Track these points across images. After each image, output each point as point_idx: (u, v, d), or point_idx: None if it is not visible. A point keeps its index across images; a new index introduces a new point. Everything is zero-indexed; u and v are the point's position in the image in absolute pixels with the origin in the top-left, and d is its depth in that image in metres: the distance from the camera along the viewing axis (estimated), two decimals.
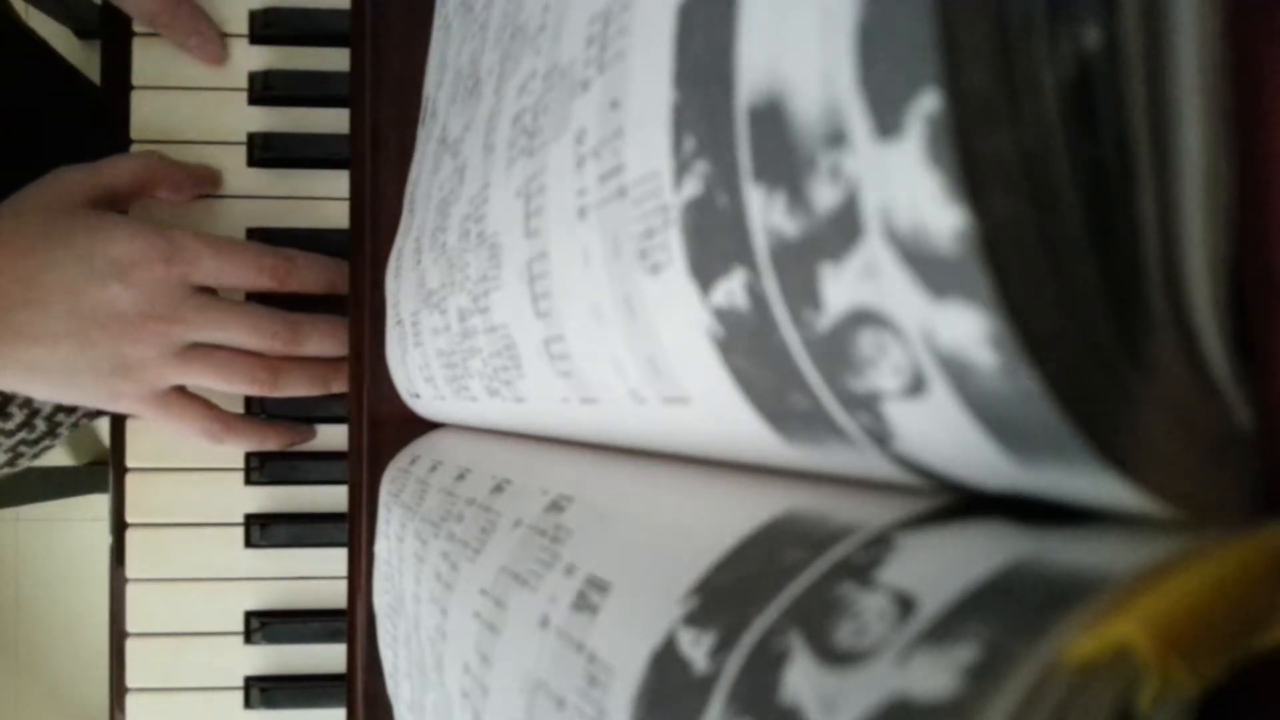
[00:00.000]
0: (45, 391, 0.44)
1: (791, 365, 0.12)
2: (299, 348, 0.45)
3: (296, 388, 0.46)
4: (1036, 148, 0.10)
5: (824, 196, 0.11)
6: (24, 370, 0.43)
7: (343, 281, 0.46)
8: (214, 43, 0.48)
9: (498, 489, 0.26)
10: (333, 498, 0.49)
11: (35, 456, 0.57)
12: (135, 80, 0.49)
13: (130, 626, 0.49)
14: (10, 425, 0.53)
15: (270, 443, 0.48)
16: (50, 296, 0.42)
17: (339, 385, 0.47)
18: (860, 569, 0.11)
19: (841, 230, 0.11)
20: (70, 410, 0.55)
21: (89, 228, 0.42)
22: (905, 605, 0.10)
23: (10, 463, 0.56)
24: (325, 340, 0.46)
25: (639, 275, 0.15)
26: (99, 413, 0.56)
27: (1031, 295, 0.09)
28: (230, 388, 0.45)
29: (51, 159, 0.47)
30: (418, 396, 0.36)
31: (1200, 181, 0.11)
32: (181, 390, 0.46)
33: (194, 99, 0.49)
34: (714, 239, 0.13)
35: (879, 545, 0.12)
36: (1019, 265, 0.09)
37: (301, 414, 0.49)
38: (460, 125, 0.29)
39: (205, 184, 0.48)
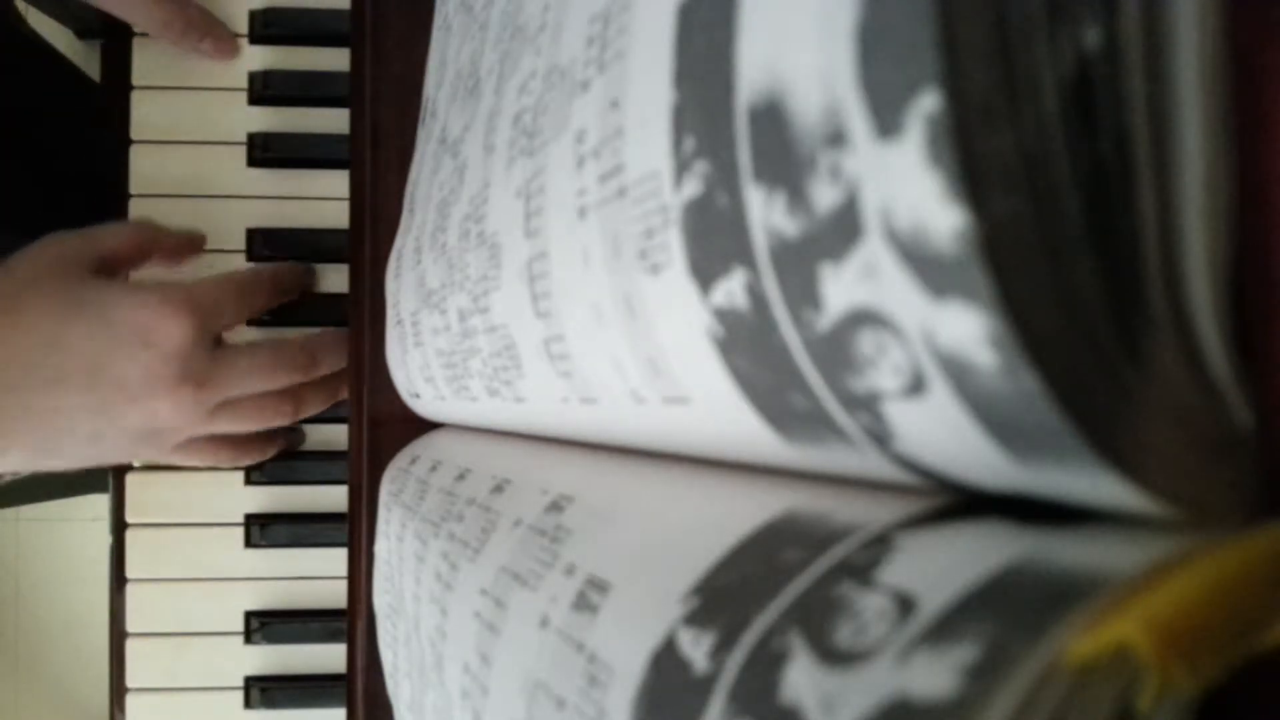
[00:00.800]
0: (65, 464, 0.42)
1: (791, 365, 0.12)
2: (318, 370, 0.45)
3: (314, 408, 0.47)
4: (1036, 148, 0.10)
5: (824, 196, 0.11)
6: (39, 450, 0.41)
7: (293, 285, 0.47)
8: (227, 41, 0.48)
9: (498, 489, 0.26)
10: (333, 498, 0.49)
11: None
12: (135, 80, 0.49)
13: (130, 626, 0.49)
14: None
15: (271, 450, 0.49)
16: (69, 372, 0.39)
17: (341, 393, 0.48)
18: (860, 569, 0.11)
19: (841, 230, 0.11)
20: None
21: (103, 296, 0.40)
22: (905, 605, 0.10)
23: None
24: (336, 355, 0.46)
25: (639, 275, 0.15)
26: None
27: (1031, 295, 0.09)
28: (258, 428, 0.45)
29: (53, 159, 0.47)
30: (418, 396, 0.36)
31: (1200, 181, 0.11)
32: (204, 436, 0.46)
33: (194, 99, 0.49)
34: (714, 239, 0.13)
35: (879, 545, 0.12)
36: (1019, 265, 0.09)
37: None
38: (460, 125, 0.29)
39: (195, 249, 0.48)
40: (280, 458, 0.49)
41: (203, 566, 0.49)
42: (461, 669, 0.22)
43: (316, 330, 0.47)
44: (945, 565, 0.11)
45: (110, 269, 0.43)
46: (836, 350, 0.11)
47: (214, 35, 0.47)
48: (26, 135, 0.53)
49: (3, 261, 0.41)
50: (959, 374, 0.10)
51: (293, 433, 0.50)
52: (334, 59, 0.49)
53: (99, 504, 0.51)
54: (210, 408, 0.43)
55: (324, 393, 0.47)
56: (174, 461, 0.46)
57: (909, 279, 0.10)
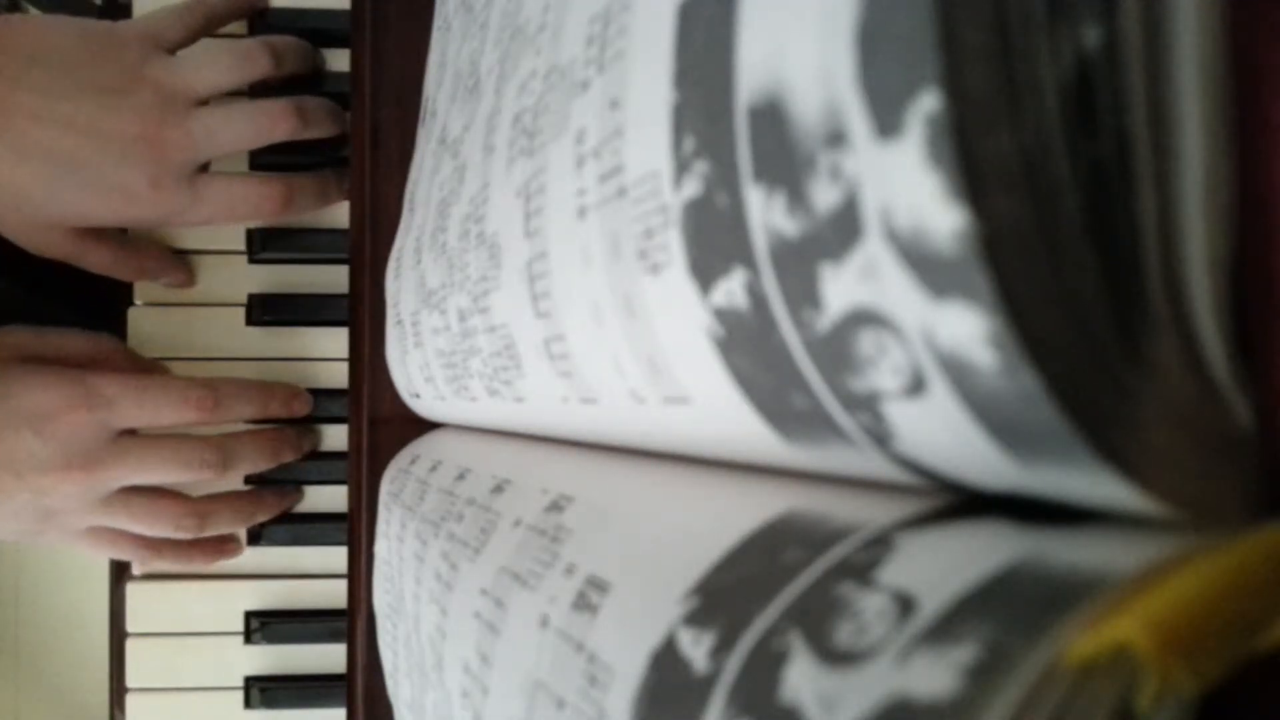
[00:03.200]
0: None
1: (791, 365, 0.12)
2: (228, 472, 0.44)
3: (222, 525, 0.46)
4: (1036, 148, 0.10)
5: (824, 196, 0.11)
6: None
7: (280, 406, 0.46)
8: (185, 274, 0.48)
9: (498, 489, 0.26)
10: (333, 498, 0.49)
11: None
12: None
13: (130, 626, 0.49)
14: None
15: (196, 563, 0.48)
16: None
17: (263, 513, 0.47)
18: (860, 569, 0.11)
19: (841, 230, 0.11)
20: None
21: (6, 380, 0.41)
22: (905, 605, 0.10)
23: None
24: (258, 456, 0.45)
25: (639, 275, 0.15)
26: None
27: (1031, 295, 0.09)
28: (153, 533, 0.45)
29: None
30: (418, 396, 0.36)
31: (1200, 182, 0.11)
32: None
33: None
34: (714, 239, 0.13)
35: (879, 545, 0.12)
36: (1019, 265, 0.09)
37: (302, 417, 0.49)
38: (460, 125, 0.29)
39: (150, 374, 0.47)
40: (274, 478, 0.49)
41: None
42: (461, 669, 0.22)
43: (242, 429, 0.46)
44: (945, 565, 0.11)
45: (45, 364, 0.44)
46: (836, 350, 0.11)
47: (172, 273, 0.47)
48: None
49: None
50: (959, 374, 0.10)
51: (234, 541, 0.49)
52: (334, 59, 0.49)
53: None
54: (101, 496, 0.43)
55: (232, 510, 0.46)
56: (83, 549, 0.46)
57: (909, 279, 0.10)
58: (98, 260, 0.45)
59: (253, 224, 0.48)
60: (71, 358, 0.44)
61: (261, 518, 0.47)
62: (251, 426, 0.47)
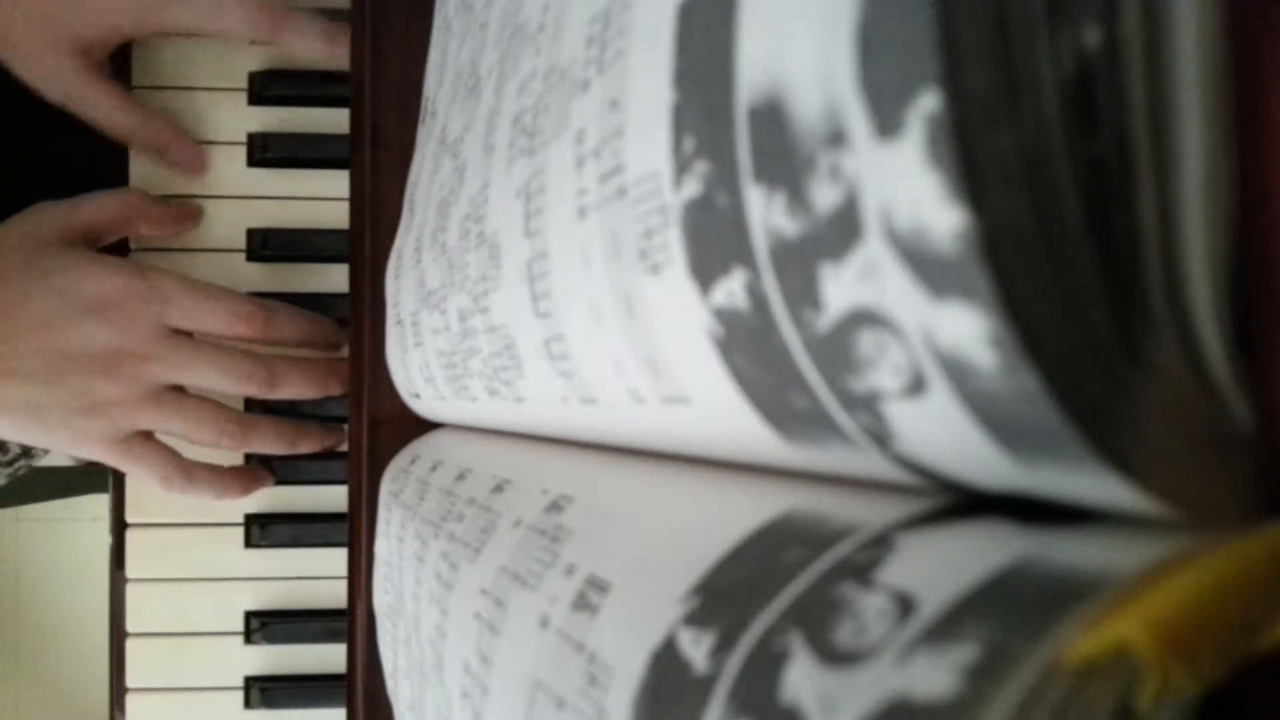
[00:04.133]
0: (9, 431, 0.43)
1: (791, 365, 0.12)
2: (274, 390, 0.44)
3: (264, 444, 0.46)
4: (1036, 147, 0.10)
5: (824, 196, 0.11)
6: None
7: (322, 339, 0.47)
8: (199, 155, 0.48)
9: (498, 489, 0.26)
10: (333, 498, 0.49)
11: (34, 461, 0.57)
12: (135, 80, 0.49)
13: (130, 626, 0.49)
14: (7, 458, 0.53)
15: (230, 491, 0.47)
16: (21, 333, 0.41)
17: (306, 445, 0.47)
18: (860, 569, 0.11)
19: (841, 230, 0.11)
20: None
21: (65, 264, 0.42)
22: (905, 605, 0.10)
23: (11, 477, 0.56)
24: (302, 384, 0.45)
25: (639, 275, 0.15)
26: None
27: (1031, 295, 0.09)
28: (198, 438, 0.45)
29: (52, 159, 0.47)
30: (418, 396, 0.36)
31: (1200, 181, 0.11)
32: (147, 435, 0.45)
33: (194, 99, 0.49)
34: (714, 239, 0.13)
35: (879, 545, 0.12)
36: (1019, 265, 0.09)
37: (301, 414, 0.49)
38: (460, 125, 0.29)
39: (187, 221, 0.48)
40: (280, 457, 0.49)
41: (203, 566, 0.49)
42: (461, 669, 0.22)
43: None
44: (945, 565, 0.11)
45: (92, 239, 0.44)
46: (836, 350, 0.11)
47: (180, 148, 0.47)
48: (25, 136, 0.53)
49: None
50: (959, 374, 0.10)
51: (264, 471, 0.48)
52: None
53: (99, 504, 0.51)
54: (151, 388, 0.43)
55: (276, 431, 0.46)
56: (117, 461, 0.45)
57: (909, 279, 0.10)
58: (103, 102, 0.45)
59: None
60: (110, 223, 0.45)
61: (304, 448, 0.47)
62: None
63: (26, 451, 0.54)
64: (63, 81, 0.44)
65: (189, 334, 0.44)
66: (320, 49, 0.47)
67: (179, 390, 0.44)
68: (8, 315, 0.41)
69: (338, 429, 0.49)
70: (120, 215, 0.45)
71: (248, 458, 0.49)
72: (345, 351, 0.48)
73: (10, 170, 0.50)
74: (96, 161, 0.47)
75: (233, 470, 0.47)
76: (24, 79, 0.44)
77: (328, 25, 0.46)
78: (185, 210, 0.48)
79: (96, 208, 0.44)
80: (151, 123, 0.46)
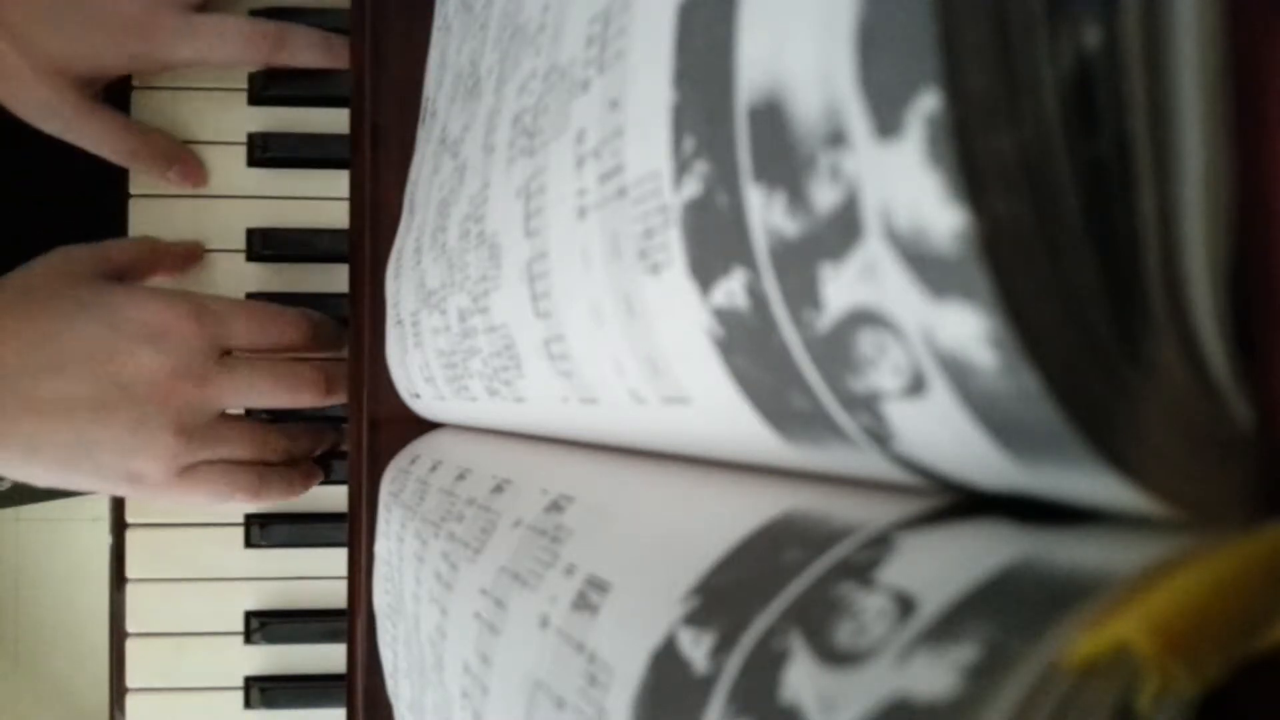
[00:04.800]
0: (47, 474, 0.41)
1: (791, 365, 0.12)
2: (330, 396, 0.45)
3: (304, 449, 0.47)
4: (1036, 147, 0.10)
5: (824, 196, 0.11)
6: (24, 448, 0.40)
7: (339, 340, 0.47)
8: (195, 167, 0.48)
9: (498, 489, 0.26)
10: (333, 498, 0.49)
11: None
12: (135, 80, 0.49)
13: (130, 626, 0.49)
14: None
15: (296, 489, 0.47)
16: (67, 362, 0.39)
17: (324, 446, 0.48)
18: (860, 569, 0.11)
19: (841, 230, 0.11)
20: None
21: (110, 294, 0.41)
22: (905, 605, 0.10)
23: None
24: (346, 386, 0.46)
25: (639, 275, 0.15)
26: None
27: (1031, 295, 0.09)
28: (258, 456, 0.44)
29: (52, 158, 0.47)
30: (418, 396, 0.36)
31: (1200, 181, 0.11)
32: (206, 461, 0.44)
33: (194, 99, 0.49)
34: (714, 239, 0.13)
35: (879, 545, 0.12)
36: (1019, 265, 0.09)
37: (299, 415, 0.49)
38: (460, 125, 0.29)
39: (195, 259, 0.48)
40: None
41: (203, 566, 0.49)
42: (461, 669, 0.22)
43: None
44: (945, 565, 0.11)
45: (118, 278, 0.44)
46: (836, 350, 0.11)
47: (180, 162, 0.47)
48: (24, 136, 0.53)
49: (14, 270, 0.42)
50: (959, 374, 0.10)
51: (318, 468, 0.49)
52: None
53: (99, 504, 0.51)
54: (207, 416, 0.42)
55: (314, 435, 0.47)
56: (179, 492, 0.43)
57: (909, 279, 0.10)
58: (102, 132, 0.44)
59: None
60: (135, 265, 0.44)
61: (322, 449, 0.48)
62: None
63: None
64: (60, 114, 0.44)
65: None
66: (321, 60, 0.47)
67: (229, 417, 0.44)
68: (49, 346, 0.39)
69: (338, 429, 0.49)
70: (141, 258, 0.45)
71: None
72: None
73: (9, 191, 0.50)
74: (95, 177, 0.47)
75: (299, 468, 0.47)
76: (16, 111, 0.44)
77: (324, 35, 0.47)
78: (192, 250, 0.48)
79: (120, 250, 0.44)
80: (152, 143, 0.46)
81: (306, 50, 0.46)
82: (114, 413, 0.40)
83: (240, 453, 0.44)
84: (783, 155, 0.11)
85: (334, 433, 0.49)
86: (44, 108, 0.44)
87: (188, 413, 0.41)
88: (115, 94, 0.48)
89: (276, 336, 0.43)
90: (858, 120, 0.10)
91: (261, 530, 0.49)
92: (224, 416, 0.44)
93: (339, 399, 0.45)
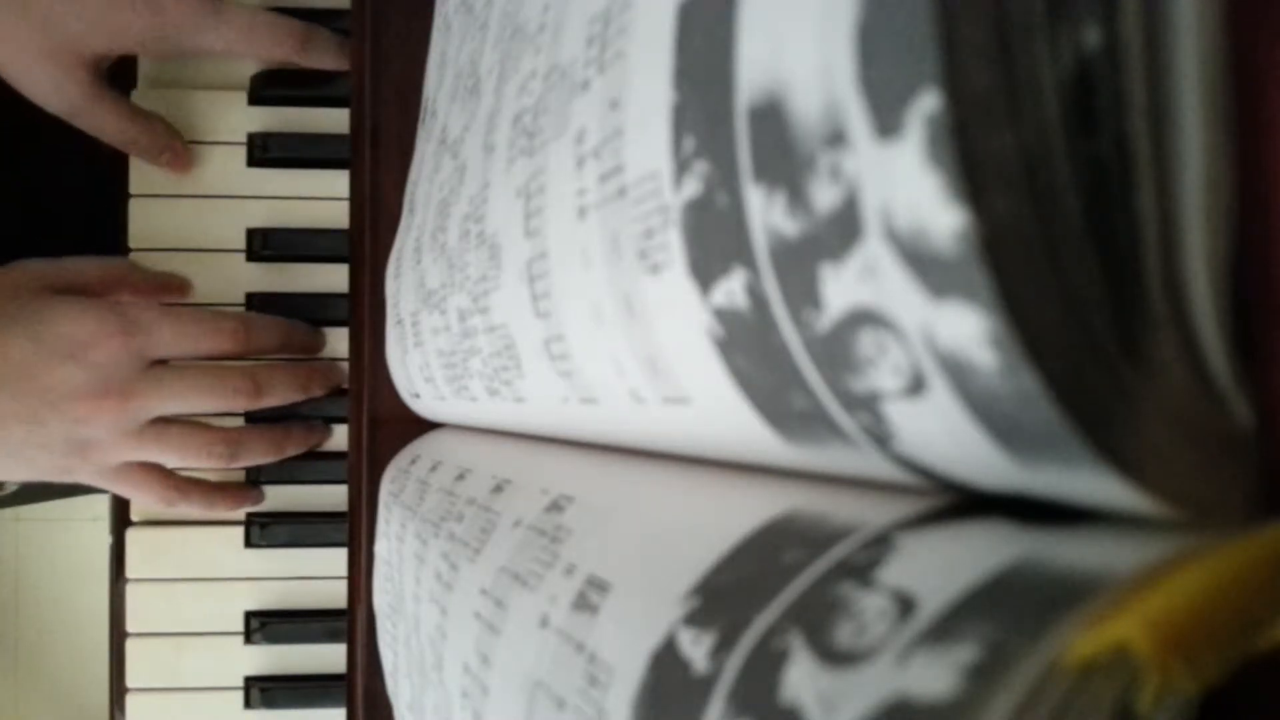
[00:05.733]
0: None
1: (792, 365, 0.12)
2: (262, 399, 0.45)
3: (254, 456, 0.46)
4: (1036, 148, 0.10)
5: (824, 196, 0.11)
6: None
7: (299, 339, 0.47)
8: (184, 154, 0.48)
9: (498, 489, 0.26)
10: (333, 498, 0.49)
11: None
12: (138, 80, 0.49)
13: (130, 626, 0.49)
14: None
15: (219, 506, 0.48)
16: (2, 380, 0.41)
17: (292, 447, 0.47)
18: (860, 569, 0.11)
19: (841, 230, 0.11)
20: None
21: (37, 309, 0.41)
22: (905, 605, 0.10)
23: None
24: (287, 388, 0.45)
25: (639, 275, 0.15)
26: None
27: (1031, 295, 0.09)
28: (186, 463, 0.45)
29: (52, 158, 0.46)
30: (418, 396, 0.36)
31: (1200, 181, 0.11)
32: (136, 462, 0.45)
33: (194, 99, 0.49)
34: (714, 239, 0.13)
35: (879, 545, 0.12)
36: (1019, 265, 0.09)
37: (299, 415, 0.49)
38: (460, 125, 0.29)
39: (174, 293, 0.47)
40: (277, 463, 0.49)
41: (203, 566, 0.49)
42: (461, 669, 0.22)
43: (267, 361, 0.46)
44: (945, 565, 0.11)
45: (73, 294, 0.44)
46: (836, 350, 0.11)
47: (172, 149, 0.47)
48: (23, 136, 0.53)
49: None
50: (959, 374, 0.10)
51: (256, 490, 0.49)
52: None
53: (99, 504, 0.51)
54: (137, 425, 0.43)
55: (265, 441, 0.46)
56: (114, 488, 0.45)
57: (909, 279, 0.10)
58: (110, 116, 0.45)
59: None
60: (92, 284, 0.44)
61: (291, 450, 0.47)
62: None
63: None
64: (69, 95, 0.44)
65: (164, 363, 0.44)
66: (338, 62, 0.47)
67: (163, 420, 0.44)
68: None
69: (321, 426, 0.49)
70: (103, 277, 0.45)
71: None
72: (335, 352, 0.49)
73: (8, 191, 0.50)
74: (95, 176, 0.47)
75: (222, 486, 0.48)
76: (22, 88, 0.44)
77: (342, 39, 0.47)
78: (172, 283, 0.47)
79: (81, 268, 0.44)
80: (154, 131, 0.46)
81: (327, 53, 0.47)
82: (43, 425, 0.41)
83: (170, 460, 0.44)
84: (783, 155, 0.11)
85: (302, 434, 0.48)
86: (53, 88, 0.44)
87: (113, 425, 0.42)
88: (116, 91, 0.48)
89: (207, 346, 0.44)
90: (858, 120, 0.10)
91: (261, 530, 0.49)
92: (158, 421, 0.44)
93: (276, 401, 0.45)
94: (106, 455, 0.43)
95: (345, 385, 0.49)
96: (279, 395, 0.45)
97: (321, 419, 0.49)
